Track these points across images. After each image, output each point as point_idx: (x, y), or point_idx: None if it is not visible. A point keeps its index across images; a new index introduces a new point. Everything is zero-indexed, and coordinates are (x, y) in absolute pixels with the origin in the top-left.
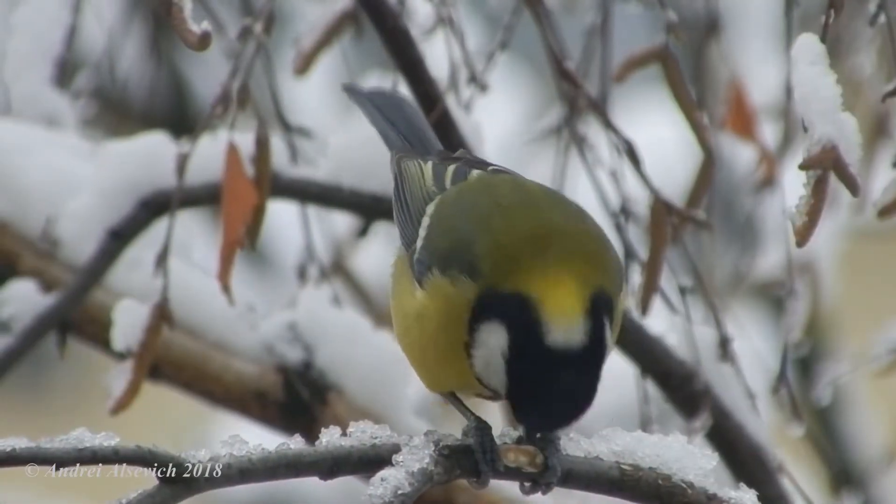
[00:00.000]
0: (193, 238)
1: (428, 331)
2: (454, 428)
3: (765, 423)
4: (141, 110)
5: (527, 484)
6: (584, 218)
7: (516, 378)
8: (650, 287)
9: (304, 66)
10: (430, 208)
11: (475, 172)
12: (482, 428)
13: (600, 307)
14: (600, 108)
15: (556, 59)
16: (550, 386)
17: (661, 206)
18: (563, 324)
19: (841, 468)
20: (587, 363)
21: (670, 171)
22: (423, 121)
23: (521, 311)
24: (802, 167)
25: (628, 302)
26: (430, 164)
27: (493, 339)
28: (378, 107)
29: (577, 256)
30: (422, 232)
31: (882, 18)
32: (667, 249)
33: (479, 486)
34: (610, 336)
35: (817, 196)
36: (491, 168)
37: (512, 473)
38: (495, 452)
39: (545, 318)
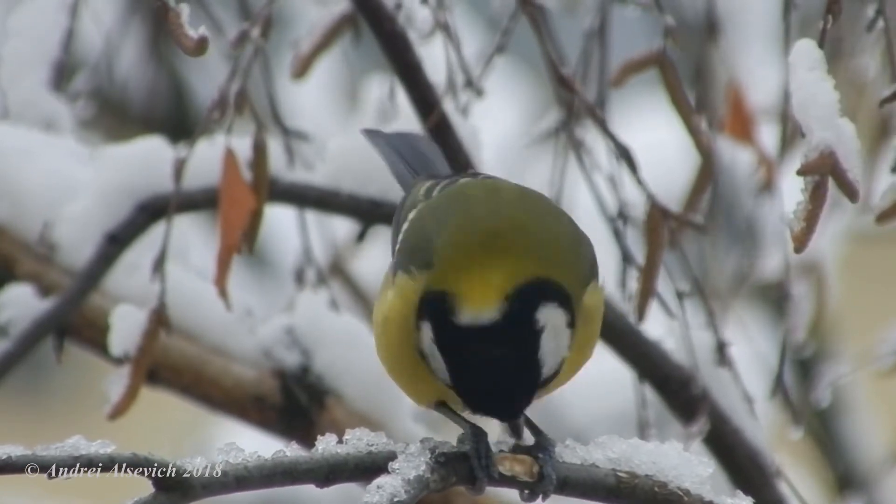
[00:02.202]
0: (191, 242)
1: (393, 331)
2: (452, 433)
3: (763, 427)
4: (140, 113)
5: (526, 491)
6: (556, 218)
7: (447, 363)
8: (646, 292)
9: (301, 69)
10: (410, 215)
11: (463, 179)
12: (477, 434)
13: (530, 292)
14: (598, 114)
15: (553, 65)
16: (476, 364)
17: (657, 211)
18: (475, 305)
19: (842, 471)
20: (507, 338)
21: (669, 173)
22: (440, 156)
23: (439, 303)
24: (800, 173)
25: (601, 297)
26: (429, 181)
27: (427, 335)
28: (396, 149)
29: (519, 249)
30: (399, 237)
31: (881, 23)
32: (663, 254)
33: (475, 492)
34: (547, 319)
35: (815, 202)
36: (482, 176)
37: (508, 481)
38: (491, 459)
39: (459, 302)
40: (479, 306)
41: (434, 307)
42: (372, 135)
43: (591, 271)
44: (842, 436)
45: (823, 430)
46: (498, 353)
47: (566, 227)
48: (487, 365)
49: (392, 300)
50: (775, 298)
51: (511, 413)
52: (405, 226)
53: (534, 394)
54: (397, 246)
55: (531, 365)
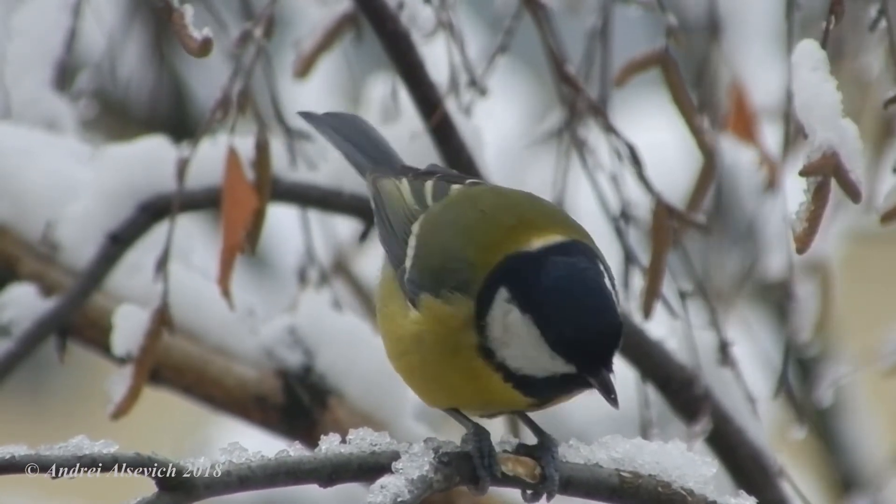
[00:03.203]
0: (193, 242)
1: (430, 354)
2: (454, 433)
3: (765, 427)
4: (141, 113)
5: (529, 491)
6: (566, 217)
7: (540, 306)
8: (653, 290)
9: (304, 69)
10: (415, 227)
11: (455, 187)
12: (481, 434)
13: (579, 243)
14: (601, 111)
15: (556, 63)
16: (573, 276)
17: (663, 210)
18: (543, 239)
19: (844, 471)
20: (591, 256)
21: (671, 173)
22: (382, 136)
23: (508, 263)
24: (803, 174)
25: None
26: (405, 182)
27: (502, 310)
28: (336, 129)
29: (553, 224)
30: (409, 252)
31: (883, 23)
32: (668, 253)
33: (477, 492)
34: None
35: (818, 202)
36: (469, 181)
37: (510, 480)
38: (493, 458)
39: (526, 246)
40: (547, 238)
41: (507, 268)
42: (311, 118)
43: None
44: (844, 436)
45: (826, 431)
46: (582, 262)
47: (580, 227)
48: (576, 272)
49: (421, 324)
50: (778, 298)
51: (616, 340)
52: (413, 240)
53: (621, 326)
54: (409, 261)
55: (611, 285)
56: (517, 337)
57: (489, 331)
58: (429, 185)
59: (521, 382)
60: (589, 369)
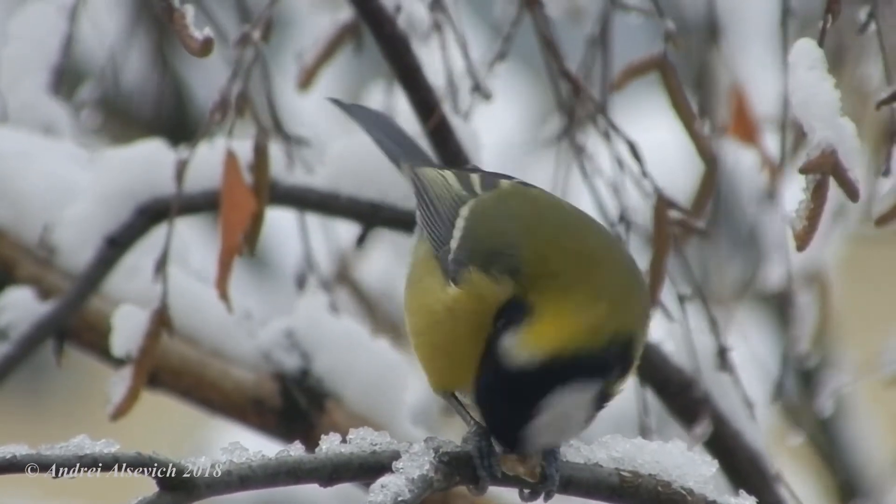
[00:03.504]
0: (190, 245)
1: (460, 325)
2: (451, 436)
3: (763, 430)
4: (140, 116)
5: (526, 491)
6: (620, 246)
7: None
8: (654, 289)
9: (306, 80)
10: (464, 210)
11: (506, 182)
12: (481, 434)
13: (618, 351)
14: (603, 110)
15: (558, 61)
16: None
17: (663, 205)
18: (577, 342)
19: (844, 477)
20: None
21: (672, 173)
22: (408, 133)
23: (516, 313)
24: (802, 171)
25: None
26: (448, 171)
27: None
28: (367, 119)
29: (612, 289)
30: (457, 233)
31: (872, 27)
32: (670, 250)
33: (477, 492)
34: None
35: (817, 200)
36: (517, 180)
37: (511, 480)
38: (494, 458)
39: (531, 332)
40: (572, 338)
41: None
42: (344, 106)
43: (648, 309)
44: (844, 441)
45: (825, 436)
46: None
47: (632, 261)
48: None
49: (459, 297)
50: (778, 305)
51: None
52: (461, 222)
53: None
54: (456, 242)
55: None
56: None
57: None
58: (475, 176)
59: None
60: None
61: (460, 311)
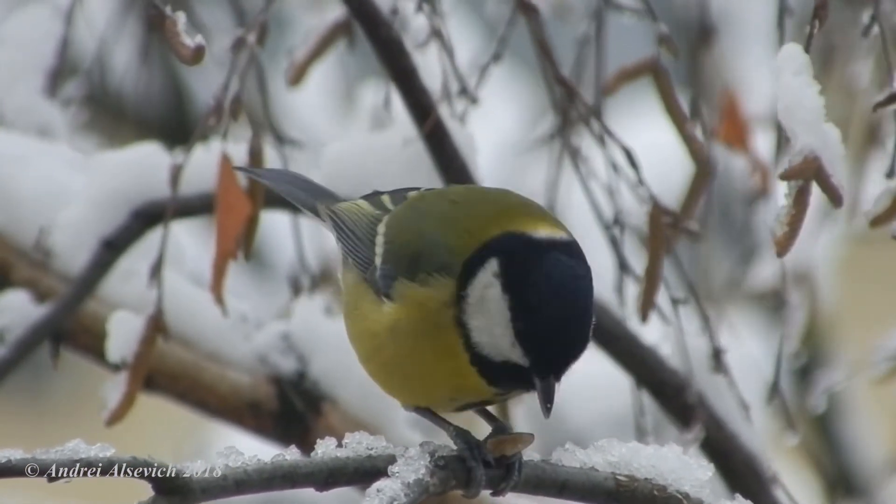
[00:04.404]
0: (185, 249)
1: (406, 341)
2: (449, 439)
3: (758, 432)
4: (137, 116)
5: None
6: (549, 212)
7: (523, 294)
8: (650, 292)
9: (297, 76)
10: (380, 227)
11: (412, 193)
12: (462, 432)
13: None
14: (597, 114)
15: (552, 66)
16: (561, 278)
17: (659, 212)
18: (547, 231)
19: (839, 477)
20: (586, 265)
21: (666, 174)
22: (316, 182)
23: (507, 239)
24: (784, 177)
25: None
26: (359, 200)
27: (484, 281)
28: (277, 178)
29: (546, 214)
30: (378, 249)
31: (875, 29)
32: (664, 255)
33: (469, 495)
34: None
35: (798, 206)
36: (424, 188)
37: (501, 465)
38: (481, 448)
39: (529, 231)
40: (551, 232)
41: (505, 245)
42: (252, 173)
43: None
44: (840, 440)
45: (821, 435)
46: (581, 270)
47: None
48: (573, 279)
49: (396, 312)
50: (770, 305)
51: (575, 360)
52: (380, 238)
53: (585, 349)
54: (379, 258)
55: (590, 303)
56: (488, 312)
57: (467, 300)
58: (385, 196)
59: (482, 367)
60: (540, 369)
61: (401, 325)
